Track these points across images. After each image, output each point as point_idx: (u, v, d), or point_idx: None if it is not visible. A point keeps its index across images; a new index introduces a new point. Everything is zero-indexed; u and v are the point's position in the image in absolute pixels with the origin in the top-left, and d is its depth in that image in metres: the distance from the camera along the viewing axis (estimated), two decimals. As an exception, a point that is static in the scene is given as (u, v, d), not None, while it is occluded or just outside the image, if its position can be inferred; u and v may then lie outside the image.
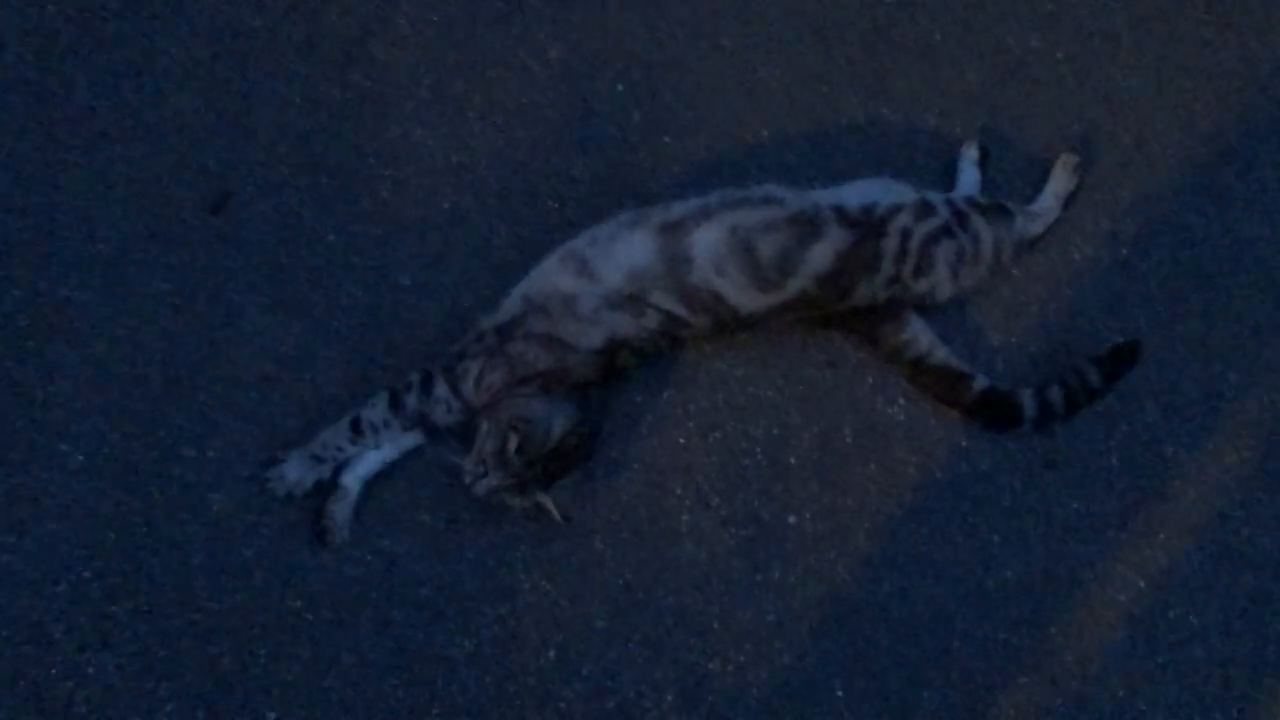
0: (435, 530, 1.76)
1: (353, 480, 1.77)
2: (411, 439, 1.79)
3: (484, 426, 1.71)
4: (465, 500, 1.79)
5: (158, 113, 2.12)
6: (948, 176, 2.05)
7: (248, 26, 2.19)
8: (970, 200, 1.93)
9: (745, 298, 1.76)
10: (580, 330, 1.73)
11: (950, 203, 1.89)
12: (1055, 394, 1.80)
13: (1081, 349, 1.90)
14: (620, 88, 2.15)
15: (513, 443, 1.65)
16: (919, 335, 1.84)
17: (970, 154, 2.06)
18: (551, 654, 1.70)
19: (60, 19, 2.21)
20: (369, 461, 1.78)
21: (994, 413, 1.81)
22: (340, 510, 1.76)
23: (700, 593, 1.74)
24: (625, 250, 1.75)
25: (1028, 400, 1.80)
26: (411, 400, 1.75)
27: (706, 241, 1.74)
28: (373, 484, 1.79)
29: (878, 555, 1.76)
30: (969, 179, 2.03)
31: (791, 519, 1.78)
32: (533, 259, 1.97)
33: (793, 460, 1.82)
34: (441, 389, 1.75)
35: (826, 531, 1.77)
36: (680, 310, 1.75)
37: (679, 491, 1.81)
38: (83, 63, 2.18)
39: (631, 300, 1.73)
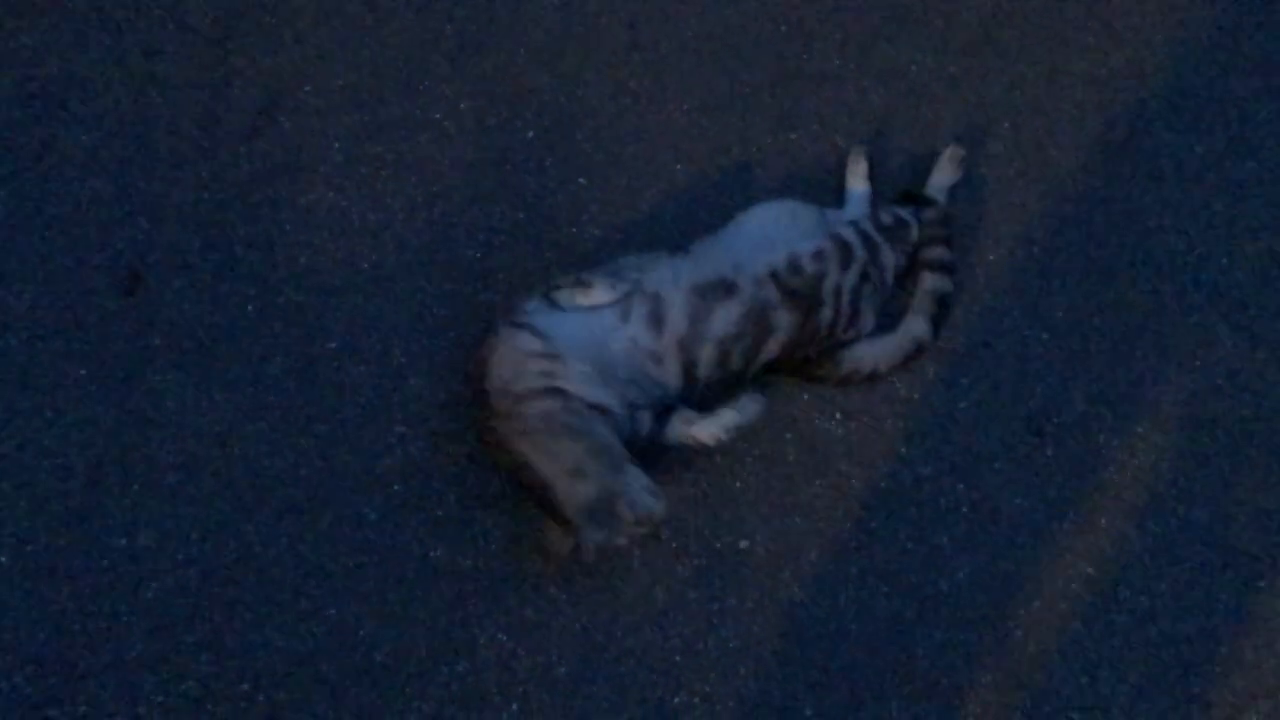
0: (384, 594, 1.72)
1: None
2: None
3: None
4: (412, 560, 1.75)
5: (60, 201, 2.08)
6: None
7: (147, 105, 2.16)
8: (877, 224, 1.96)
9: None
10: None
11: (862, 234, 1.92)
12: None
13: (1004, 349, 1.95)
14: (532, 135, 2.16)
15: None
16: (860, 356, 1.87)
17: (858, 168, 2.10)
18: (514, 707, 1.67)
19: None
20: None
21: None
22: None
23: (659, 628, 1.72)
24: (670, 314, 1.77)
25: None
26: None
27: (706, 358, 1.76)
28: (316, 552, 1.75)
29: (832, 571, 1.77)
30: (861, 192, 2.07)
31: (743, 544, 1.78)
32: (459, 312, 1.96)
33: (738, 485, 1.82)
34: None
35: (779, 553, 1.77)
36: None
37: (628, 528, 1.79)
38: (-22, 156, 2.13)
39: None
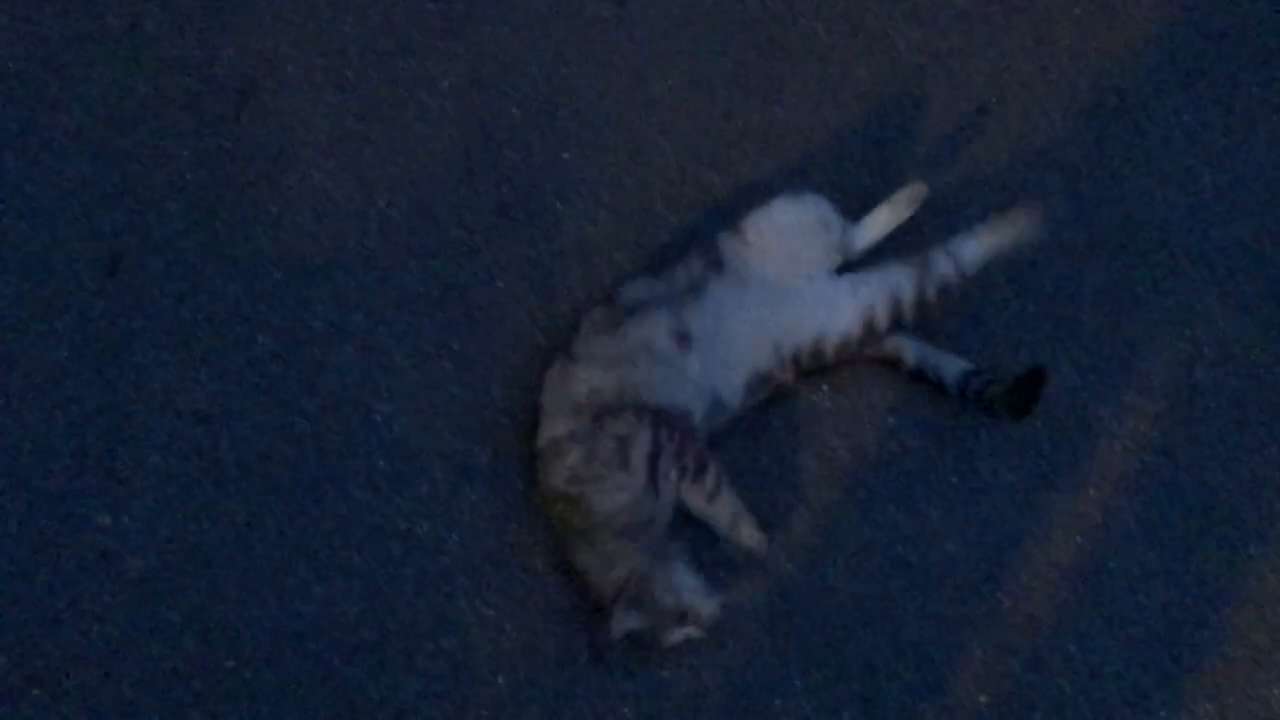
0: (370, 570, 1.72)
1: None
2: None
3: None
4: (398, 537, 1.75)
5: (41, 182, 2.06)
6: (842, 174, 2.07)
7: (128, 86, 2.14)
8: (920, 296, 1.80)
9: None
10: None
11: (893, 312, 1.79)
12: (976, 383, 1.80)
13: (993, 320, 1.94)
14: (516, 111, 2.15)
15: None
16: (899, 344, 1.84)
17: (897, 212, 1.92)
18: (501, 681, 1.66)
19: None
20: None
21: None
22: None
23: (647, 602, 1.71)
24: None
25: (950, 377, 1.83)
26: None
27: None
28: (301, 530, 1.74)
29: (820, 543, 1.76)
30: (877, 236, 1.92)
31: (731, 517, 1.77)
32: (445, 290, 1.96)
33: (725, 459, 1.81)
34: None
35: (767, 525, 1.76)
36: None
37: (615, 503, 1.79)
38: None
39: None
